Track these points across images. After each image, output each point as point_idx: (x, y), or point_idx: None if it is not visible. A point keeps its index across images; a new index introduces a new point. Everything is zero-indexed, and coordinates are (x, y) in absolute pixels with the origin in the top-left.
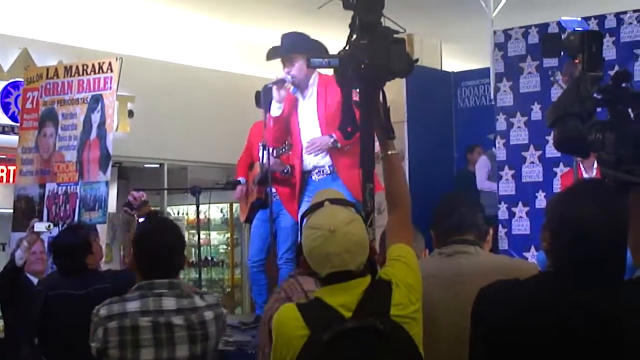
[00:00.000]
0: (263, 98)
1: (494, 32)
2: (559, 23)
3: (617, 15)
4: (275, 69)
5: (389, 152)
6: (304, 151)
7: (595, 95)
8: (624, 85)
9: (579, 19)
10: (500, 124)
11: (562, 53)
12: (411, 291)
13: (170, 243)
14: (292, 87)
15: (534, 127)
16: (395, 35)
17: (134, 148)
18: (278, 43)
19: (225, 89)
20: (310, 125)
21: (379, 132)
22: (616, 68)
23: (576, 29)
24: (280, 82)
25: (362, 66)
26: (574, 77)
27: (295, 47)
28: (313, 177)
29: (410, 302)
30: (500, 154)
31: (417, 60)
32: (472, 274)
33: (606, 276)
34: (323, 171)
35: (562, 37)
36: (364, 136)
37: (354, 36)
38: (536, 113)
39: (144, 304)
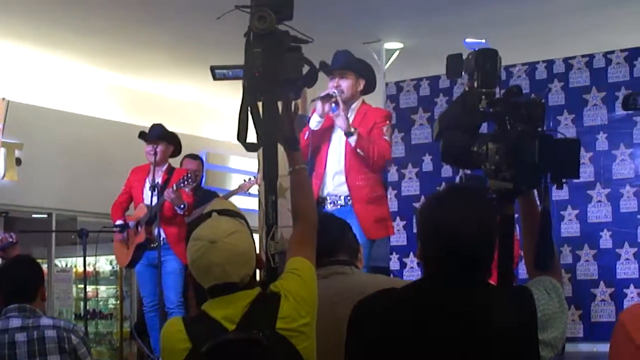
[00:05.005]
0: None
1: (386, 84)
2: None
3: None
4: (165, 120)
5: (297, 167)
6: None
7: (485, 109)
8: (514, 100)
9: (484, 40)
10: (392, 175)
11: (462, 73)
12: (301, 304)
13: (21, 275)
14: (333, 105)
15: (425, 178)
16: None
17: (21, 197)
18: (163, 93)
19: (116, 138)
20: (337, 150)
21: (282, 144)
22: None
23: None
24: (327, 97)
25: (257, 76)
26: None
27: (351, 64)
28: (327, 207)
29: (299, 315)
30: (392, 205)
31: (322, 64)
32: (350, 294)
33: (472, 277)
34: (337, 202)
35: None
36: (267, 148)
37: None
38: (427, 164)
39: None
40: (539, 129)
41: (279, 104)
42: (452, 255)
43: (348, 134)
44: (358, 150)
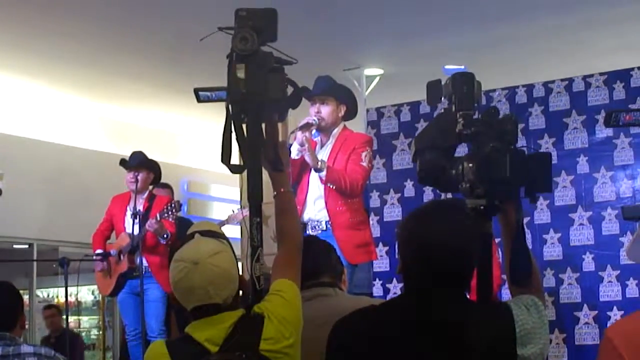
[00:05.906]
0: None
1: (367, 110)
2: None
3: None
4: (146, 149)
5: (282, 190)
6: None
7: (462, 131)
8: (488, 119)
9: (463, 67)
10: (374, 200)
11: (442, 98)
12: (285, 325)
13: (1, 303)
14: (314, 131)
15: (407, 203)
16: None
17: (2, 227)
18: (144, 122)
19: (96, 168)
20: (318, 176)
21: (266, 166)
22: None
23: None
24: (306, 126)
25: (240, 96)
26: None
27: (332, 90)
28: (307, 232)
29: (283, 336)
30: (374, 230)
31: (304, 89)
32: (333, 316)
33: (451, 292)
34: (318, 227)
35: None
36: (251, 170)
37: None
38: (409, 189)
39: None
40: (512, 145)
41: (263, 125)
42: (431, 270)
43: (316, 170)
44: (329, 184)
